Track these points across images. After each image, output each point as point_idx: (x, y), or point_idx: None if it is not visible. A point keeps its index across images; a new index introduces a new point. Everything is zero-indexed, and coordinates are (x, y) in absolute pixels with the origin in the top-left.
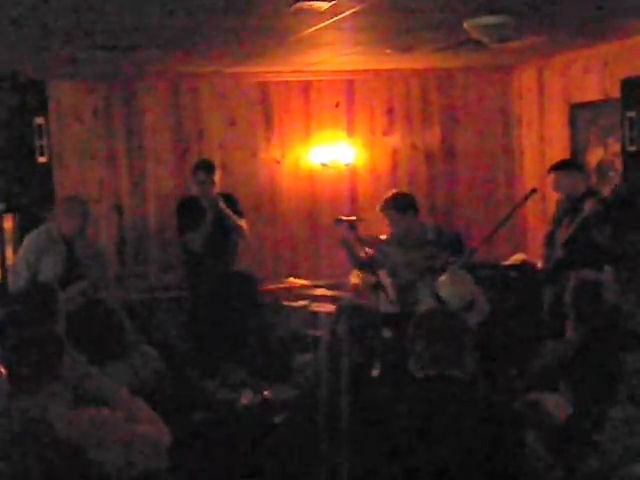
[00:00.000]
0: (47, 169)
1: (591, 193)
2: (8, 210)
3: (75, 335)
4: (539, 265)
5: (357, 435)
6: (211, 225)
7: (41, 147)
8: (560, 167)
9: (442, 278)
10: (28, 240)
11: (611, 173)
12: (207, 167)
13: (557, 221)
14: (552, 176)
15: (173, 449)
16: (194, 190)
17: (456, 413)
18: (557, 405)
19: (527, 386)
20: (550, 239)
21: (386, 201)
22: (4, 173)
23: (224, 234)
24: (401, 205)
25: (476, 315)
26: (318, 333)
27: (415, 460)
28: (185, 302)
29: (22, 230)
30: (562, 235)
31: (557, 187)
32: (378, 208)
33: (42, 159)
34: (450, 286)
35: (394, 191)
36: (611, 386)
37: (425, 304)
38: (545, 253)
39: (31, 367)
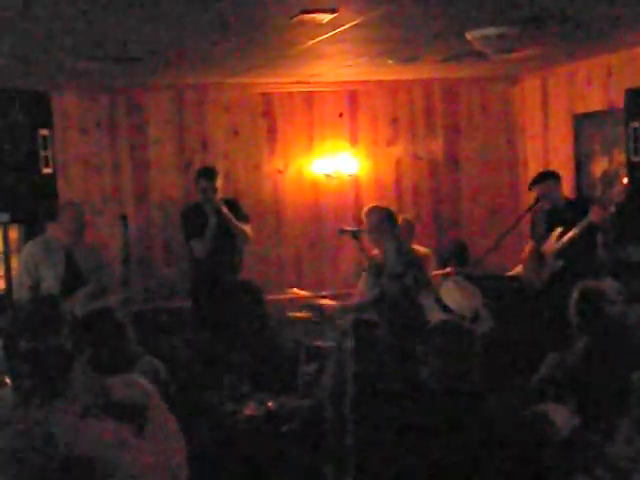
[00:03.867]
0: (52, 180)
1: (572, 202)
2: (13, 221)
3: (80, 346)
4: (527, 279)
5: (366, 448)
6: (215, 231)
7: (46, 158)
8: (547, 177)
9: (447, 287)
10: (25, 250)
11: (616, 183)
12: (209, 174)
13: (543, 233)
14: (540, 187)
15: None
16: (198, 197)
17: (467, 426)
18: (564, 417)
19: (532, 398)
20: (537, 252)
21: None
22: (9, 184)
23: (229, 240)
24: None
25: (482, 325)
26: (322, 344)
27: (426, 472)
28: (189, 312)
29: (27, 241)
30: (551, 246)
31: (546, 197)
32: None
33: (47, 170)
34: (458, 296)
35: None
36: (618, 398)
37: (431, 313)
38: (533, 266)
39: (36, 379)
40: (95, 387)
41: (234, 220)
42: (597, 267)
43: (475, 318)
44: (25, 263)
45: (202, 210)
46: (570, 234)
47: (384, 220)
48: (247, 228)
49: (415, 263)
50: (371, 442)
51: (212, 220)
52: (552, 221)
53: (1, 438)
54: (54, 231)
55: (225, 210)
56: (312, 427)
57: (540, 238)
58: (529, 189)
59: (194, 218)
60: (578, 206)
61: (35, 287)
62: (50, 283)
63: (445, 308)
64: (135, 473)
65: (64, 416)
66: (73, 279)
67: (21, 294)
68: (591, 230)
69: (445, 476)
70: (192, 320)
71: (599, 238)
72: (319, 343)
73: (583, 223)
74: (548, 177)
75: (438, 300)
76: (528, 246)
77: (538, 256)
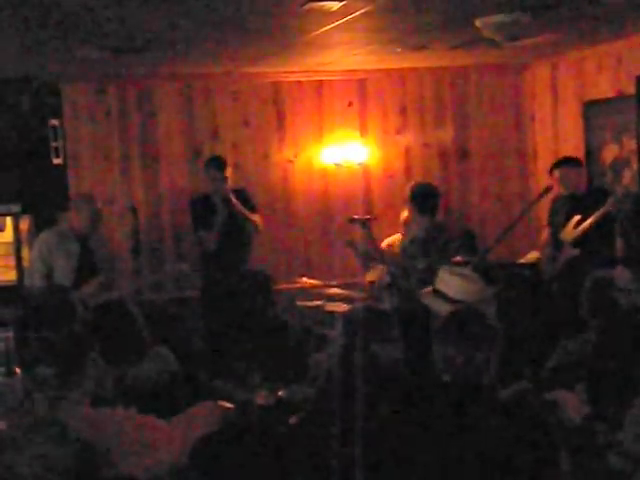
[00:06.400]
0: (62, 170)
1: (597, 190)
2: (24, 211)
3: (93, 337)
4: (543, 266)
5: (373, 436)
6: (224, 222)
7: (56, 149)
8: (569, 162)
9: (441, 275)
10: (40, 239)
11: (627, 171)
12: (219, 164)
13: (561, 220)
14: (560, 171)
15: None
16: (206, 187)
17: (477, 415)
18: (575, 404)
19: (543, 386)
20: (555, 239)
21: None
22: (20, 175)
23: (238, 230)
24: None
25: (486, 308)
26: (332, 333)
27: (434, 463)
28: (200, 302)
29: (38, 231)
30: (569, 233)
31: (565, 183)
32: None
33: (57, 161)
34: (451, 280)
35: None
36: (629, 385)
37: (435, 307)
38: (549, 253)
39: (48, 368)
40: (106, 376)
41: (243, 210)
42: (613, 255)
43: (477, 302)
44: (39, 251)
45: (211, 200)
46: (588, 222)
47: (411, 197)
48: (256, 218)
49: (439, 248)
50: (380, 433)
51: (221, 211)
52: (572, 208)
53: (12, 427)
54: (70, 221)
55: (234, 201)
56: (319, 418)
57: (559, 225)
58: (550, 173)
59: (202, 209)
60: (598, 194)
61: (48, 276)
62: (64, 273)
63: (442, 297)
64: (144, 459)
65: (75, 405)
66: (87, 269)
67: (33, 282)
68: (608, 219)
69: (456, 465)
70: (202, 310)
71: (617, 227)
72: (329, 332)
73: (600, 211)
74: (569, 162)
75: (435, 291)
76: (544, 233)
77: (555, 243)
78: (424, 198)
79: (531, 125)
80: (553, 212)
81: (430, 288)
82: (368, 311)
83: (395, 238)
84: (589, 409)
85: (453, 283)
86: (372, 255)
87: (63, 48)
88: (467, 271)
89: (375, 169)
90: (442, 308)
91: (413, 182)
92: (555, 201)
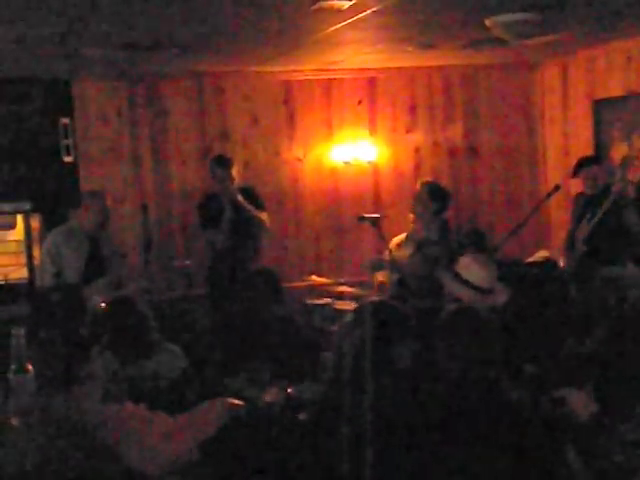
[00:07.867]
0: (73, 169)
1: (606, 188)
2: (35, 209)
3: (102, 334)
4: (561, 264)
5: (380, 432)
6: (231, 221)
7: (67, 147)
8: (594, 161)
9: (465, 261)
10: (50, 237)
11: (634, 168)
12: (224, 163)
13: (578, 218)
14: (588, 171)
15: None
16: (216, 186)
17: (485, 412)
18: (583, 402)
19: (552, 383)
20: (571, 237)
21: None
22: (31, 173)
23: (245, 229)
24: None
25: (497, 298)
26: (337, 328)
27: (439, 459)
28: (209, 299)
29: (49, 229)
30: (582, 231)
31: (591, 181)
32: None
33: (68, 159)
34: (474, 268)
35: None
36: (637, 382)
37: (449, 288)
38: (566, 253)
39: (58, 365)
40: (115, 373)
41: (250, 208)
42: (622, 251)
43: (491, 290)
44: (48, 250)
45: (218, 200)
46: (596, 218)
47: (431, 196)
48: (263, 216)
49: (451, 247)
50: (387, 430)
51: (228, 210)
52: (586, 207)
53: (24, 424)
54: (79, 219)
55: (240, 199)
56: (328, 414)
57: (576, 224)
58: (574, 175)
59: (210, 208)
60: (607, 192)
61: (58, 274)
62: (72, 270)
63: (463, 282)
64: (153, 455)
65: (85, 402)
66: (95, 268)
67: (43, 281)
68: (616, 215)
69: (462, 462)
70: (210, 308)
71: (626, 220)
72: (335, 328)
73: (604, 207)
74: (594, 160)
75: (457, 275)
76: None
77: (571, 241)
78: (437, 198)
79: (541, 124)
80: (573, 211)
81: (451, 272)
82: (379, 307)
83: (404, 237)
84: (597, 407)
85: (473, 268)
86: (384, 268)
87: (74, 46)
88: (487, 259)
89: (384, 167)
90: (453, 287)
91: (424, 180)
92: (575, 200)
